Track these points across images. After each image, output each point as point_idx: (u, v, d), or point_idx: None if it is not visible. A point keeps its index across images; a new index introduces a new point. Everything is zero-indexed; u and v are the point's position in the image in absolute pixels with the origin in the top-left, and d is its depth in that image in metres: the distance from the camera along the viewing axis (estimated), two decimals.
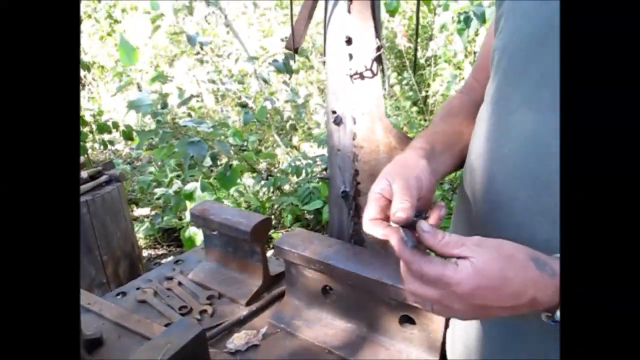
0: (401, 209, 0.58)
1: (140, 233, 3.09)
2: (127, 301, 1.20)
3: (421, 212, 0.61)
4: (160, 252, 3.12)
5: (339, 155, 1.13)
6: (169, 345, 0.79)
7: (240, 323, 1.07)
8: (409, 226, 0.57)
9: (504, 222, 0.64)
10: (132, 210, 3.68)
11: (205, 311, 1.13)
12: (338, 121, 1.10)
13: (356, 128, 1.08)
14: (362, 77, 1.05)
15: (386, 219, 0.61)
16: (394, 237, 0.58)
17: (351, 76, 1.05)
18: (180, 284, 1.25)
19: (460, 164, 0.81)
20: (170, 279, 1.27)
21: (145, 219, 3.21)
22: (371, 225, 0.61)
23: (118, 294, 1.23)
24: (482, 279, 0.51)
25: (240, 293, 1.17)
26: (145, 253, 3.10)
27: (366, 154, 1.09)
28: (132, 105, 2.47)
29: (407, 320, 0.95)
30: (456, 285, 0.51)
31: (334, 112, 1.11)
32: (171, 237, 3.16)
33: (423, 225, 0.56)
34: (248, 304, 1.14)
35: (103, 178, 2.14)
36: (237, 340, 1.01)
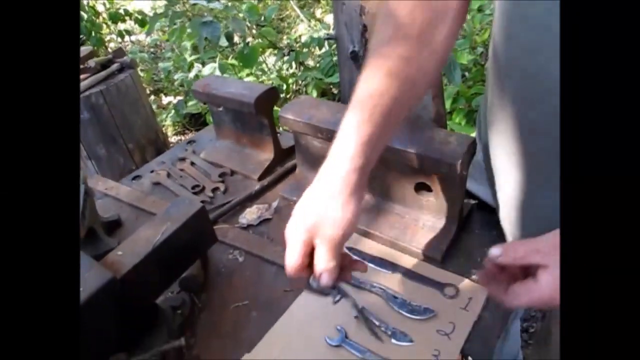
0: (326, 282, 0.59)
1: (168, 120, 3.09)
2: (143, 184, 1.19)
3: None
4: (189, 137, 3.14)
5: (345, 11, 0.99)
6: (169, 223, 0.76)
7: (252, 198, 1.05)
8: None
9: None
10: (161, 99, 3.65)
11: (217, 189, 1.10)
12: None
13: None
14: None
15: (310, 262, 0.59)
16: None
17: None
18: (192, 164, 1.22)
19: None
20: (182, 159, 1.24)
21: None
22: (297, 274, 0.60)
23: (134, 178, 1.22)
24: None
25: (252, 168, 1.13)
26: (174, 139, 3.12)
27: (374, 4, 0.95)
28: None
29: (423, 187, 0.88)
30: (541, 297, 0.51)
31: None
32: (199, 122, 3.15)
33: (494, 252, 0.54)
34: (260, 178, 1.10)
35: (115, 66, 2.06)
36: (249, 215, 0.99)
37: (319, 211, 0.57)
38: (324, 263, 0.57)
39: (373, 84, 0.59)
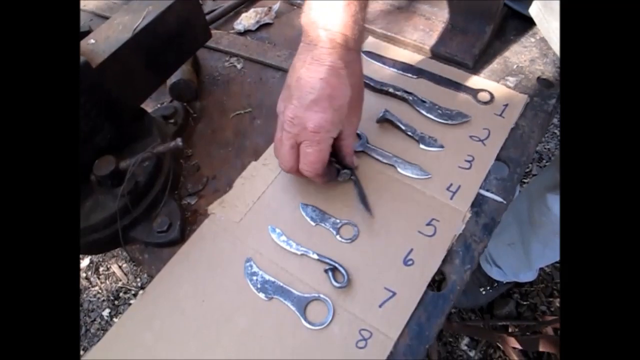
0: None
1: None
2: None
3: None
4: None
5: None
6: (150, 7, 0.62)
7: (247, 2, 0.88)
8: None
9: None
10: None
11: None
12: None
13: None
14: None
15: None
16: None
17: None
18: None
19: None
20: None
21: None
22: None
23: None
24: None
25: None
26: None
27: None
28: None
29: None
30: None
31: None
32: None
33: None
34: None
35: None
36: (246, 20, 0.84)
37: (343, 101, 0.52)
38: (352, 147, 0.58)
39: None
